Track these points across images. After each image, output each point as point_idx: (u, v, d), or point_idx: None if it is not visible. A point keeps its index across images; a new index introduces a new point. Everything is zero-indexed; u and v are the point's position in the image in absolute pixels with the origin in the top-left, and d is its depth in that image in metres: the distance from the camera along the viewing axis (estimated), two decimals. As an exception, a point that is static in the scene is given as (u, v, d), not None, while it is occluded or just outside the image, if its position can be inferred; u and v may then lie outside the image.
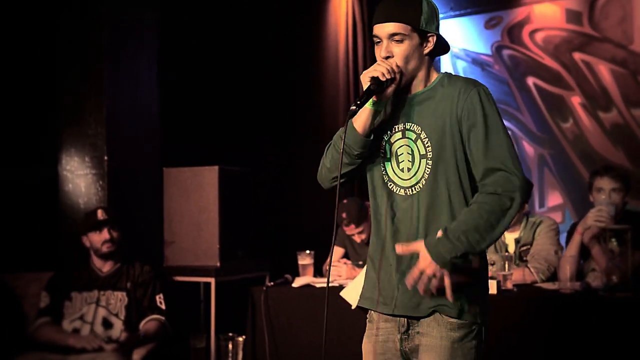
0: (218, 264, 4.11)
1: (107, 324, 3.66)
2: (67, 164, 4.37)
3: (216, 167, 4.15)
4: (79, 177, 4.35)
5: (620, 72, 5.01)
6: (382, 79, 1.98)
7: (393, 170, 2.10)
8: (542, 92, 5.32)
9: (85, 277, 3.74)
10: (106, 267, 3.78)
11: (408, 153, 2.08)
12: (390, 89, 2.03)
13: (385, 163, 2.12)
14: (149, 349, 3.68)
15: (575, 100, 5.19)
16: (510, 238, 3.82)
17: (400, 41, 2.02)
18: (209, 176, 4.16)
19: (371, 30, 2.11)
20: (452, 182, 2.03)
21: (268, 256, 4.59)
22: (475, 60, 5.55)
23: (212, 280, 4.10)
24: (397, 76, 2.02)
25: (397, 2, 2.04)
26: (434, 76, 2.11)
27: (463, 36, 5.58)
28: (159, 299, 3.78)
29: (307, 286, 3.68)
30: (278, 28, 5.38)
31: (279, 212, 5.17)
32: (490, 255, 3.72)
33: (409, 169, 2.08)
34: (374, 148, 2.12)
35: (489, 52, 5.49)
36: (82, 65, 4.34)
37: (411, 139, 2.08)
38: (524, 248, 3.76)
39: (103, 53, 4.30)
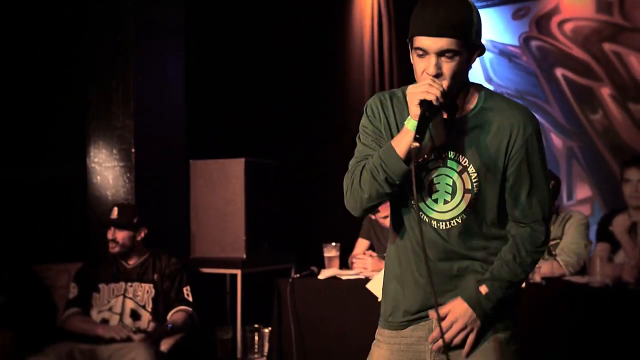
0: (244, 256, 4.13)
1: (135, 315, 3.69)
2: (95, 157, 4.40)
3: (242, 160, 4.16)
4: (107, 170, 4.37)
5: (651, 63, 4.93)
6: (436, 103, 1.74)
7: (423, 198, 1.89)
8: (570, 83, 5.24)
9: (112, 269, 3.78)
10: (132, 260, 3.81)
11: (447, 184, 1.87)
12: (440, 115, 1.83)
13: (418, 193, 1.87)
14: (176, 339, 3.71)
15: (605, 92, 5.11)
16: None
17: (451, 58, 1.76)
18: (235, 168, 4.18)
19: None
20: (490, 218, 1.90)
21: (294, 248, 4.59)
22: (503, 52, 5.48)
23: (238, 272, 4.11)
24: (447, 96, 1.78)
25: (449, 10, 1.76)
26: (474, 93, 1.89)
27: (490, 27, 5.51)
28: (186, 291, 3.80)
29: (333, 278, 3.67)
30: (304, 20, 5.36)
31: (304, 204, 5.16)
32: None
33: (445, 201, 1.88)
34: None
35: (516, 43, 5.42)
36: (109, 58, 4.35)
37: (455, 170, 1.86)
38: (553, 242, 3.72)
39: (130, 46, 4.31)
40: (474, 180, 1.85)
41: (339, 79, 5.46)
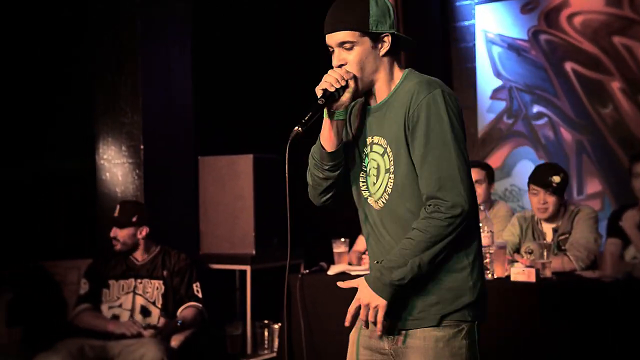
0: (253, 252, 4.14)
1: (145, 312, 3.70)
2: (104, 153, 4.41)
3: (251, 156, 4.17)
4: (116, 166, 4.39)
5: (661, 56, 4.90)
6: (331, 89, 1.92)
7: (367, 182, 2.04)
8: (580, 77, 5.21)
9: (122, 266, 3.79)
10: (142, 256, 3.82)
11: (374, 167, 2.01)
12: (345, 97, 1.94)
13: (360, 174, 2.05)
14: (186, 335, 3.72)
15: (615, 86, 5.08)
16: (548, 227, 3.76)
17: (350, 48, 1.95)
18: (244, 164, 4.18)
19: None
20: (410, 197, 1.94)
21: (303, 244, 4.58)
22: (511, 46, 5.45)
23: (247, 268, 4.12)
24: (350, 82, 1.94)
25: (341, 8, 1.98)
26: (398, 76, 2.01)
27: (498, 21, 5.49)
28: (196, 287, 3.81)
29: (343, 274, 3.66)
30: (311, 17, 5.34)
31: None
32: (529, 244, 3.67)
33: (374, 183, 2.01)
34: (354, 160, 2.06)
35: (525, 37, 5.39)
36: (116, 54, 4.36)
37: (378, 153, 2.00)
38: (563, 237, 3.70)
39: (137, 42, 4.32)
40: (390, 159, 1.97)
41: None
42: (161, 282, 3.75)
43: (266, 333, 4.15)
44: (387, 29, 1.97)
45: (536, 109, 5.40)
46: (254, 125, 4.96)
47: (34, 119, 4.33)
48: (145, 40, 4.34)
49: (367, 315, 1.91)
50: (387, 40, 1.97)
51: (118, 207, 3.83)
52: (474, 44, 5.58)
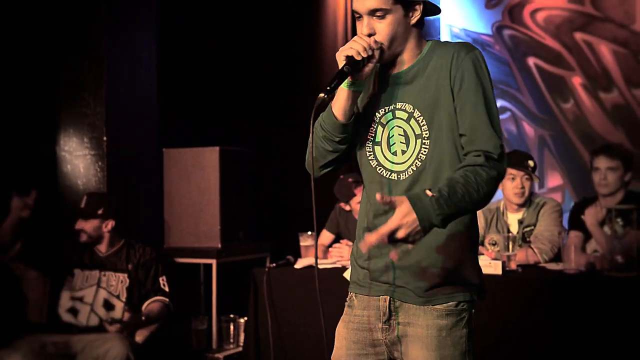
0: (219, 246, 4.09)
1: (108, 306, 3.64)
2: (66, 145, 4.32)
3: (217, 148, 4.12)
4: (78, 158, 4.30)
5: (621, 53, 5.00)
6: (358, 57, 1.80)
7: (383, 154, 1.94)
8: (542, 72, 5.30)
9: (87, 256, 3.74)
10: (106, 249, 3.76)
11: (400, 134, 1.91)
12: (368, 68, 1.85)
13: (375, 147, 1.95)
14: (151, 330, 3.67)
15: (576, 81, 5.18)
16: (513, 219, 3.82)
17: (382, 17, 1.84)
18: (210, 157, 4.13)
19: None
20: (450, 161, 1.86)
21: (269, 238, 4.57)
22: (476, 41, 5.52)
23: (213, 262, 4.08)
24: (376, 53, 1.84)
25: None
26: (424, 45, 1.93)
27: (463, 16, 5.55)
28: (162, 281, 3.77)
29: (310, 267, 3.66)
30: (280, 8, 5.32)
31: (280, 193, 5.14)
32: (493, 236, 3.72)
33: (403, 152, 1.91)
34: (363, 131, 1.96)
35: (489, 32, 5.47)
36: (80, 44, 4.27)
37: (403, 119, 1.90)
38: (528, 229, 3.76)
39: (101, 32, 4.23)
40: (422, 125, 1.88)
41: (314, 67, 5.44)
42: (126, 275, 3.70)
43: (232, 327, 4.12)
44: None
45: (499, 103, 5.46)
46: (220, 117, 4.91)
47: None
48: (110, 31, 4.26)
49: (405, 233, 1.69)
50: (419, 8, 1.88)
51: (85, 198, 3.76)
52: (439, 38, 5.62)
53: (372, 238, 1.68)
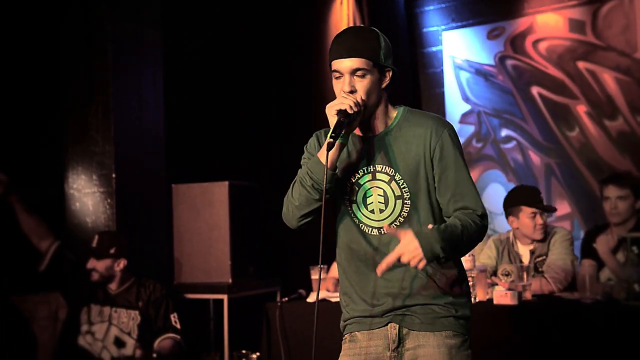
0: (230, 281, 4.07)
1: (119, 343, 3.62)
2: (74, 183, 4.32)
3: (226, 183, 4.11)
4: (87, 196, 4.30)
5: (624, 80, 5.02)
6: (350, 111, 1.96)
7: (361, 211, 2.09)
8: (547, 101, 5.31)
9: (100, 292, 3.73)
10: (116, 286, 3.75)
11: (379, 195, 2.06)
12: (355, 122, 2.01)
13: (353, 205, 2.09)
14: None
15: (581, 109, 5.19)
16: (524, 250, 3.80)
17: (363, 76, 2.01)
18: (219, 192, 4.12)
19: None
20: (425, 220, 2.05)
21: (279, 272, 4.54)
22: (479, 71, 5.54)
23: (224, 297, 4.05)
24: (362, 109, 2.00)
25: (357, 37, 2.03)
26: (393, 111, 2.11)
27: (466, 47, 5.58)
28: (174, 318, 3.74)
29: (323, 300, 3.63)
30: (282, 43, 5.36)
31: (287, 227, 5.11)
32: (506, 266, 3.69)
33: (381, 210, 2.07)
34: (342, 191, 2.09)
35: (492, 62, 5.49)
36: (87, 83, 4.30)
37: (384, 181, 2.06)
38: (540, 259, 3.73)
39: (108, 71, 4.26)
40: (402, 187, 2.05)
41: (318, 99, 5.45)
42: (137, 312, 3.68)
43: (244, 364, 4.08)
44: (391, 64, 2.07)
45: (504, 132, 5.48)
46: (228, 152, 4.92)
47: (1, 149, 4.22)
48: (117, 69, 4.28)
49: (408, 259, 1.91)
50: (389, 75, 2.07)
51: (96, 237, 3.76)
52: (442, 70, 5.66)
53: (382, 266, 1.91)
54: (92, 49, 4.28)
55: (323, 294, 3.71)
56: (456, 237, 1.94)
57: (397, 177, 2.04)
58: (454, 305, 2.08)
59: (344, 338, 2.19)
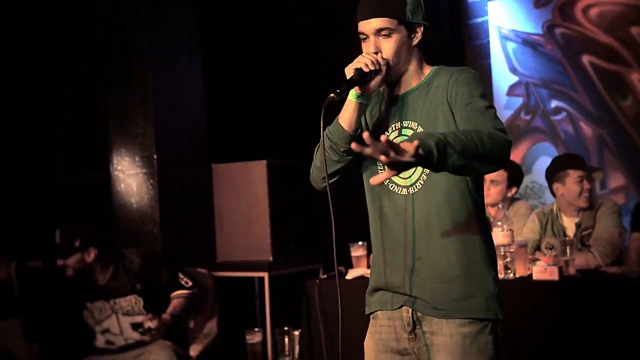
0: (271, 259, 4.08)
1: (136, 326, 3.61)
2: (118, 165, 4.42)
3: (264, 162, 4.12)
4: (130, 177, 4.40)
5: (681, 45, 4.78)
6: (366, 69, 1.91)
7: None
8: (598, 70, 5.10)
9: (89, 286, 3.63)
10: (101, 277, 3.63)
11: None
12: (374, 82, 1.94)
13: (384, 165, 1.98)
14: (205, 344, 3.70)
15: (635, 77, 4.97)
16: (569, 222, 3.68)
17: (388, 35, 1.96)
18: (258, 171, 4.13)
19: None
20: (451, 178, 1.92)
21: (320, 249, 4.52)
22: (526, 41, 5.36)
23: (265, 275, 4.07)
24: (383, 68, 1.94)
25: None
26: (427, 69, 2.05)
27: (512, 17, 5.41)
28: (180, 277, 3.69)
29: (361, 278, 3.59)
30: (319, 27, 5.29)
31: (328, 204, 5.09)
32: (550, 240, 3.60)
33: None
34: None
35: (540, 31, 5.30)
36: (126, 66, 4.39)
37: (408, 137, 1.96)
38: (586, 232, 3.61)
39: (146, 53, 4.34)
40: None
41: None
42: (134, 296, 3.61)
43: (286, 340, 4.08)
44: (421, 19, 2.00)
45: (554, 104, 5.31)
46: (266, 131, 4.92)
47: (45, 135, 4.35)
48: (154, 52, 4.36)
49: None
50: (420, 31, 2.00)
51: (57, 233, 3.58)
52: (488, 41, 5.51)
53: (378, 179, 1.67)
54: (128, 32, 4.35)
55: (361, 271, 3.67)
56: (460, 138, 1.70)
57: (419, 129, 1.98)
58: (473, 284, 1.95)
59: (371, 318, 2.15)
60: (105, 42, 4.44)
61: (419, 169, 1.95)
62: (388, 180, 2.00)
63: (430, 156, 1.63)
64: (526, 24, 5.36)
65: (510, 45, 5.43)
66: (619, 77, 5.02)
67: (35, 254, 4.17)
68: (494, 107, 1.92)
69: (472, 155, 1.71)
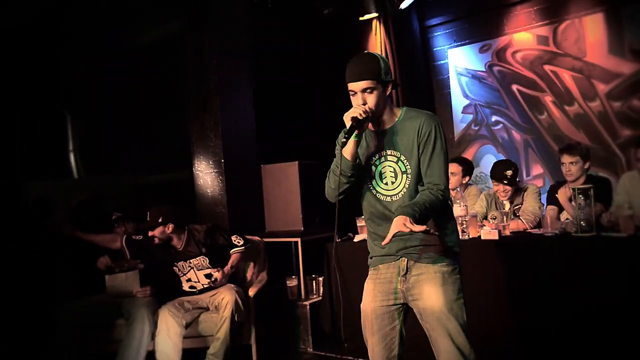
0: (302, 229, 4.08)
1: (208, 275, 3.54)
2: (199, 166, 4.41)
3: (296, 162, 4.09)
4: (207, 175, 4.38)
5: (578, 77, 4.82)
6: (360, 117, 1.92)
7: (379, 185, 2.04)
8: (523, 95, 5.16)
9: (174, 253, 3.54)
10: (179, 244, 3.48)
11: (391, 172, 2.02)
12: (366, 124, 1.96)
13: (372, 181, 2.05)
14: (259, 287, 3.65)
15: (548, 99, 5.02)
16: (506, 201, 3.74)
17: (371, 92, 1.95)
18: (292, 169, 4.09)
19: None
20: (415, 188, 2.02)
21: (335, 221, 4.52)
22: (474, 76, 5.42)
23: (298, 240, 4.07)
24: (370, 114, 1.95)
25: (363, 63, 1.95)
26: (397, 110, 2.05)
27: (464, 59, 5.46)
28: (235, 238, 3.51)
29: (364, 240, 3.63)
30: (337, 64, 5.28)
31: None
32: (494, 212, 3.65)
33: (392, 182, 2.02)
34: (364, 170, 2.05)
35: (483, 69, 5.36)
36: (203, 98, 4.34)
37: (393, 161, 2.01)
38: (517, 207, 3.68)
39: (216, 89, 4.29)
40: (406, 165, 2.01)
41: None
42: (201, 257, 3.49)
43: (314, 284, 4.12)
44: (390, 78, 2.01)
45: (494, 118, 5.35)
46: (298, 140, 4.86)
47: (149, 144, 4.37)
48: (221, 87, 4.31)
49: (405, 226, 1.84)
50: (390, 85, 2.01)
51: (148, 213, 3.44)
52: (448, 76, 5.55)
53: (387, 239, 1.83)
54: (206, 74, 4.31)
55: (364, 236, 3.71)
56: (424, 207, 1.90)
57: (402, 157, 2.01)
58: (446, 245, 2.05)
59: (370, 269, 2.17)
60: (188, 83, 4.42)
61: (402, 182, 2.01)
62: (376, 192, 2.05)
63: (414, 219, 1.82)
64: (474, 63, 5.40)
65: (464, 79, 5.47)
66: (537, 100, 5.07)
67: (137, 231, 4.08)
68: (447, 154, 2.01)
69: (431, 212, 1.93)
